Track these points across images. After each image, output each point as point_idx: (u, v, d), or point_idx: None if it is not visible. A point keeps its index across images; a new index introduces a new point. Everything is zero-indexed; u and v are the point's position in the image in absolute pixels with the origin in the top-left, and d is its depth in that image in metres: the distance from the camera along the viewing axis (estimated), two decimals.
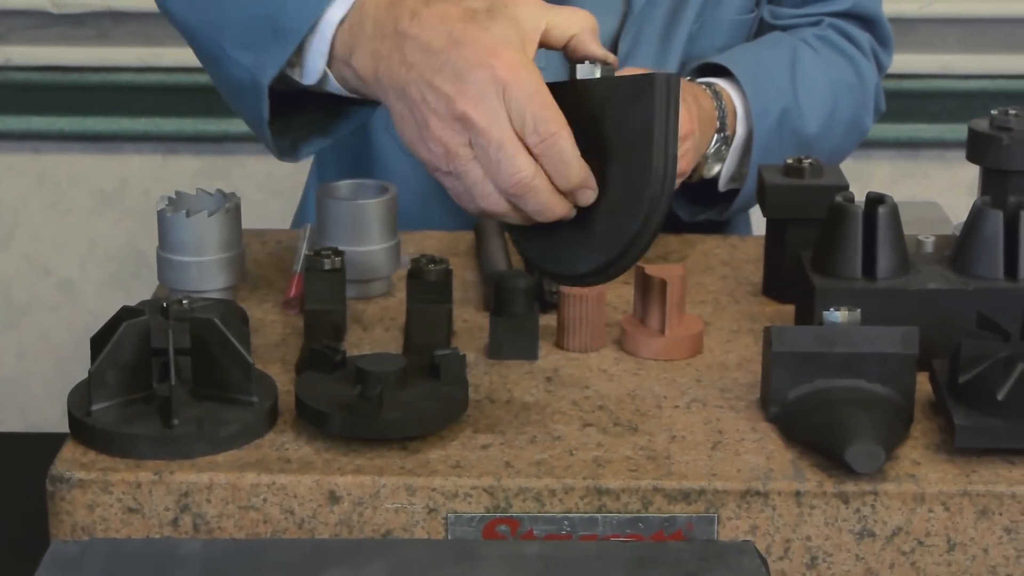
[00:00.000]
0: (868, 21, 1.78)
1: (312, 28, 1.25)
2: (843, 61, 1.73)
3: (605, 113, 1.17)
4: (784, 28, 1.76)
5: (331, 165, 1.80)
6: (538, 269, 1.23)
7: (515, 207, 1.17)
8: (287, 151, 1.36)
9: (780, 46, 1.70)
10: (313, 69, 1.27)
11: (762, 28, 1.76)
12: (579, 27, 1.21)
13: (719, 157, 1.61)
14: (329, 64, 1.26)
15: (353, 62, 1.23)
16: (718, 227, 1.72)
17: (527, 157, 1.15)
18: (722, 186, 1.64)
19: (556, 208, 1.17)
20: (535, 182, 1.15)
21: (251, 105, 1.33)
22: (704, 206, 1.68)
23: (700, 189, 1.65)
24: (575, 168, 1.16)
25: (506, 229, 1.24)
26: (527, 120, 1.14)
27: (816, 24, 1.76)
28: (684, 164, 1.51)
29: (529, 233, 1.21)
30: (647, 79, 1.16)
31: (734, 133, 1.62)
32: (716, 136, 1.60)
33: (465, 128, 1.15)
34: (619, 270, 1.18)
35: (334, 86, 1.28)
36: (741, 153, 1.63)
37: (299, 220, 1.86)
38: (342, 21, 1.24)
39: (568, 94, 1.17)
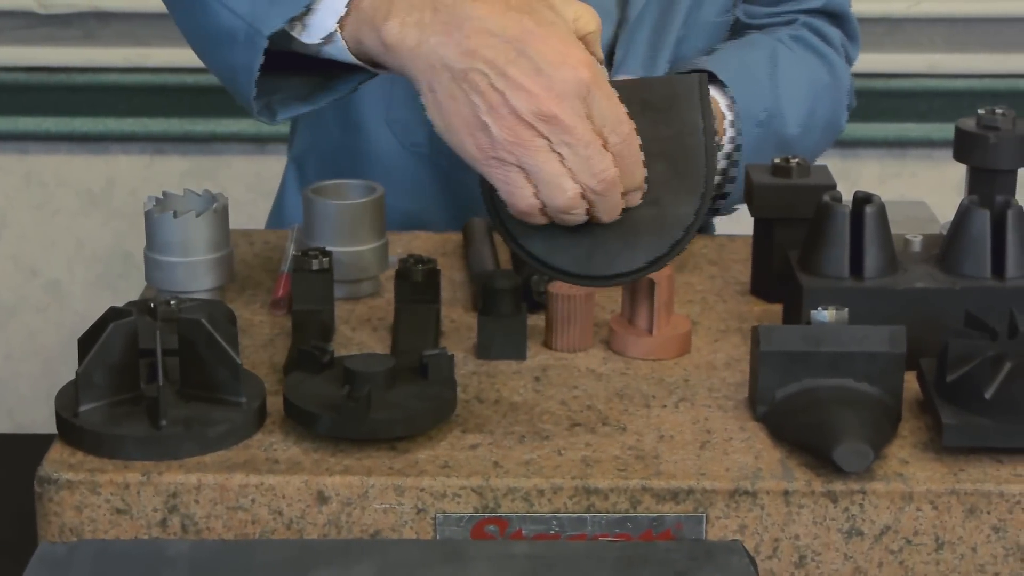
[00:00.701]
0: (838, 17, 1.77)
1: None
2: (818, 61, 1.72)
3: (640, 110, 1.20)
4: (759, 27, 1.75)
5: (312, 161, 1.78)
6: (562, 275, 1.22)
7: (587, 204, 1.16)
8: (263, 111, 1.30)
9: (760, 48, 1.70)
10: (320, 27, 1.22)
11: (736, 28, 1.76)
12: (595, 25, 1.21)
13: None
14: (342, 24, 1.21)
15: (386, 27, 1.18)
16: None
17: (610, 156, 1.15)
18: None
19: (620, 207, 1.18)
20: (617, 179, 1.16)
21: (239, 56, 1.26)
22: None
23: None
24: (641, 168, 1.17)
25: (514, 242, 1.23)
26: (608, 120, 1.14)
27: (789, 23, 1.75)
28: None
29: (553, 241, 1.20)
30: (688, 79, 1.22)
31: (723, 139, 1.62)
32: None
33: (548, 124, 1.13)
34: (662, 264, 1.21)
35: (338, 49, 1.23)
36: (727, 159, 1.63)
37: (275, 217, 1.84)
38: None
39: None
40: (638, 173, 1.17)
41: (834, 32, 1.76)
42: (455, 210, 1.68)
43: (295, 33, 1.24)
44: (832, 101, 1.72)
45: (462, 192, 1.68)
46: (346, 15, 1.21)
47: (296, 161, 1.80)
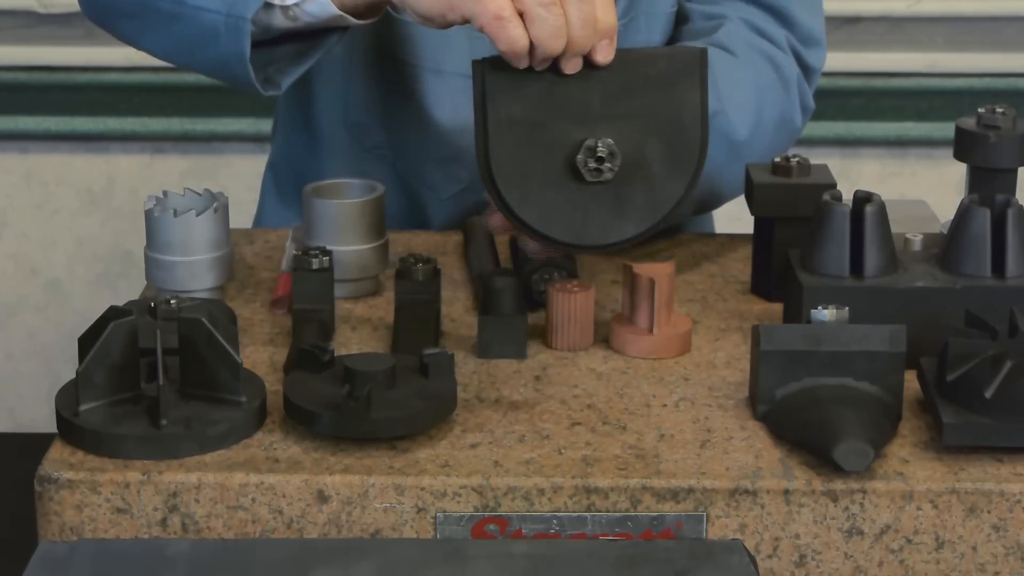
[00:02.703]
0: (782, 17, 1.70)
1: None
2: (761, 60, 1.65)
3: (642, 85, 1.26)
4: (700, 29, 1.69)
5: (284, 168, 1.79)
6: (557, 244, 1.28)
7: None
8: (266, 86, 1.39)
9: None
10: None
11: (677, 20, 1.71)
12: None
13: None
14: None
15: None
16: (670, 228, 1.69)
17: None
18: None
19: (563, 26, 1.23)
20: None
21: (225, 47, 1.35)
22: None
23: None
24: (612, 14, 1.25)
25: (511, 214, 1.26)
26: None
27: (730, 23, 1.68)
28: None
29: (548, 212, 1.25)
30: (690, 54, 1.27)
31: None
32: None
33: None
34: (649, 234, 1.28)
35: (319, 3, 1.33)
36: None
37: (259, 220, 1.83)
38: None
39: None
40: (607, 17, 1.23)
41: (779, 32, 1.67)
42: (414, 212, 1.69)
43: (276, 1, 1.33)
44: (780, 99, 1.64)
45: (419, 192, 1.69)
46: None
47: (272, 168, 1.81)
